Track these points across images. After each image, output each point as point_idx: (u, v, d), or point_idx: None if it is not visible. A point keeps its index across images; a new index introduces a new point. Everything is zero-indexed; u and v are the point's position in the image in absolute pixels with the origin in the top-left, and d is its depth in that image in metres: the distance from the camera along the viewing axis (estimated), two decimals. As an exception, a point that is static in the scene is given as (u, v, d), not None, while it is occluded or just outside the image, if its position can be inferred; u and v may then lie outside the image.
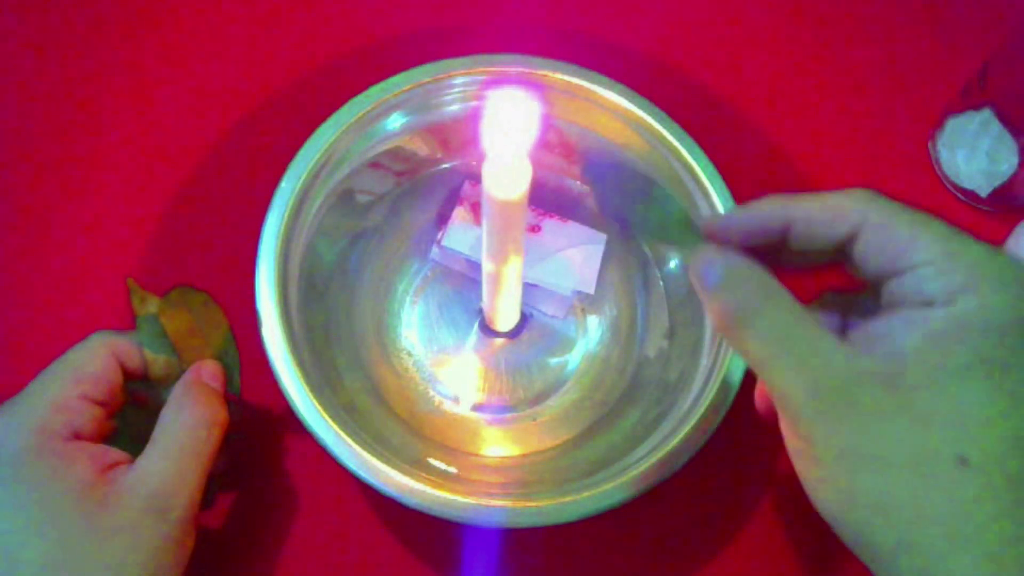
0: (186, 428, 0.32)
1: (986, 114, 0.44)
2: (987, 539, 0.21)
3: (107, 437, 0.33)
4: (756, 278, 0.25)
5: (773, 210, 0.26)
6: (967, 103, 0.45)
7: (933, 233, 0.24)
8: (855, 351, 0.23)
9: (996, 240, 0.45)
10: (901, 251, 0.24)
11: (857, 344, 0.24)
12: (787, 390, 0.24)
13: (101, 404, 0.32)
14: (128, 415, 0.35)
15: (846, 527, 0.24)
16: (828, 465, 0.23)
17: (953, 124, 0.46)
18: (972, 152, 0.45)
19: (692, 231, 0.40)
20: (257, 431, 0.40)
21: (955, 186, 0.46)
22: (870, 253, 0.25)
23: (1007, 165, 0.44)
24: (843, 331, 0.27)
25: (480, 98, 0.41)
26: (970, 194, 0.46)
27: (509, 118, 0.27)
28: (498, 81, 0.40)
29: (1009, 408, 0.22)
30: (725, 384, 0.35)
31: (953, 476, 0.21)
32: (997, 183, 0.45)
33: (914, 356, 0.23)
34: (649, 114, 0.40)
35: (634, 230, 0.43)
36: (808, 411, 0.23)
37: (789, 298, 0.25)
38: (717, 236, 0.27)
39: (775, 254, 0.27)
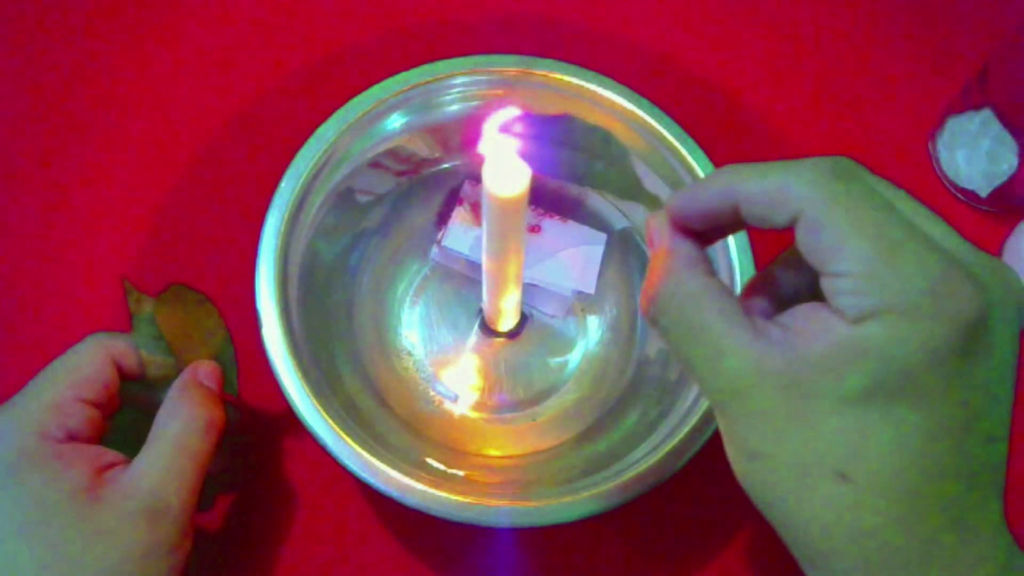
0: (182, 429, 0.32)
1: (986, 114, 0.44)
2: (864, 544, 0.22)
3: (104, 439, 0.33)
4: (669, 263, 0.25)
5: (721, 192, 0.24)
6: (967, 103, 0.45)
7: (861, 245, 0.21)
8: (761, 351, 0.23)
9: (996, 240, 0.45)
10: (826, 255, 0.22)
11: (772, 333, 0.23)
12: (697, 381, 0.25)
13: (97, 406, 0.32)
14: (126, 416, 0.35)
15: (758, 508, 0.25)
16: (733, 447, 0.24)
17: (953, 124, 0.46)
18: (972, 152, 0.45)
19: None
20: (255, 431, 0.40)
21: (955, 186, 0.46)
22: (802, 245, 0.23)
23: (1007, 165, 0.44)
24: (788, 300, 0.26)
25: (480, 98, 0.41)
26: (970, 194, 0.46)
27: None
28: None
29: (895, 437, 0.22)
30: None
31: (832, 488, 0.22)
32: (997, 183, 0.45)
33: (815, 366, 0.22)
34: (649, 114, 0.40)
35: (634, 230, 0.43)
36: (716, 404, 0.24)
37: (703, 287, 0.24)
38: (683, 224, 0.26)
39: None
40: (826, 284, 0.22)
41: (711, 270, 0.25)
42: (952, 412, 0.22)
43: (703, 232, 0.26)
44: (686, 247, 0.26)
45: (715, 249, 0.38)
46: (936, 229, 0.23)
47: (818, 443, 0.22)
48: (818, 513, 0.23)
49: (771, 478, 0.23)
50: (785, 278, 0.27)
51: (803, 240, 0.23)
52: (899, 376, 0.21)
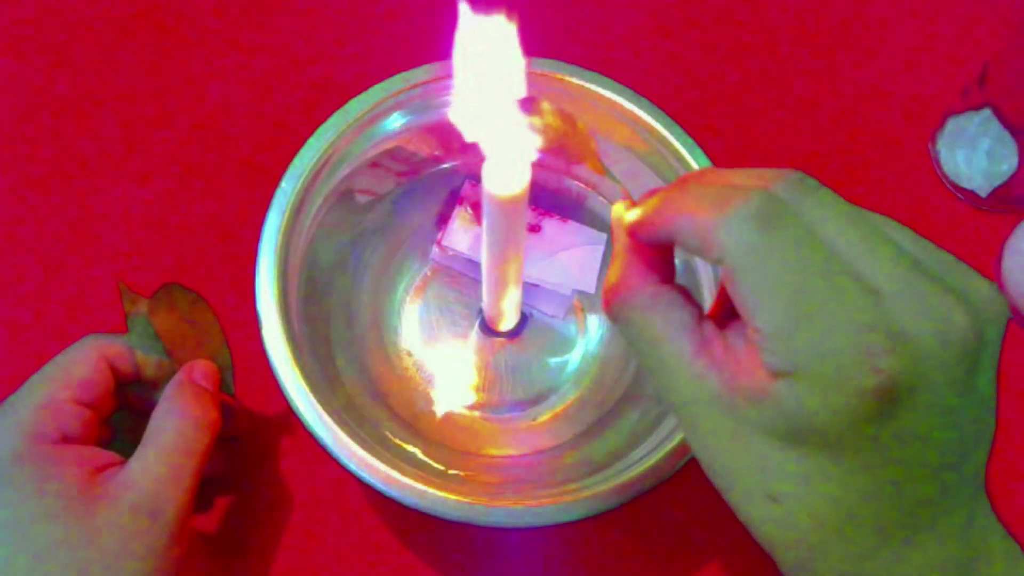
0: (177, 429, 0.32)
1: (986, 114, 0.44)
2: (800, 557, 0.23)
3: (100, 440, 0.33)
4: (623, 273, 0.25)
5: (660, 223, 0.24)
6: (967, 103, 0.45)
7: (774, 306, 0.21)
8: (704, 368, 0.23)
9: (996, 240, 0.45)
10: (743, 307, 0.22)
11: (716, 349, 0.23)
12: (650, 382, 0.25)
13: (92, 407, 0.32)
14: (122, 417, 0.35)
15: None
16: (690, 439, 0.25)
17: (953, 124, 0.46)
18: (972, 152, 0.45)
19: None
20: (253, 432, 0.40)
21: (955, 186, 0.46)
22: (726, 289, 0.22)
23: (1007, 165, 0.44)
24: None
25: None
26: (970, 194, 0.46)
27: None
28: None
29: (812, 477, 0.22)
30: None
31: (767, 507, 0.23)
32: (997, 183, 0.45)
33: (745, 397, 0.22)
34: (649, 114, 0.40)
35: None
36: (667, 408, 0.25)
37: (653, 299, 0.24)
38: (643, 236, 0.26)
39: None
40: (749, 333, 0.22)
41: (668, 275, 0.25)
42: (854, 468, 0.22)
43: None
44: (642, 251, 0.25)
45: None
46: (886, 256, 0.21)
47: (751, 464, 0.23)
48: (757, 523, 0.24)
49: (719, 482, 0.24)
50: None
51: (726, 286, 0.22)
52: (809, 431, 0.21)
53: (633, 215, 0.25)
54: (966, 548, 0.23)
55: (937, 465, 0.22)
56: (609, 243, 0.43)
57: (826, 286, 0.21)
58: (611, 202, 0.44)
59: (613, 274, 0.25)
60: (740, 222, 0.21)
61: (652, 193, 0.25)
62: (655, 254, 0.25)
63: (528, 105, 0.26)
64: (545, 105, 0.26)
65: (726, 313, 0.25)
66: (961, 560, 0.23)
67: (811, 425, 0.21)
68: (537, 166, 0.29)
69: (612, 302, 0.25)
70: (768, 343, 0.21)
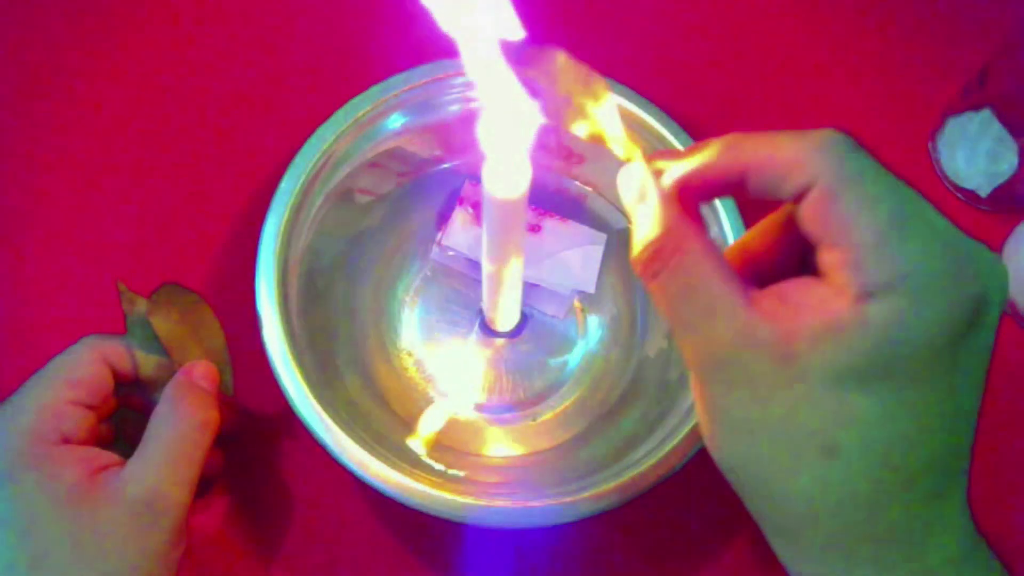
0: (176, 429, 0.32)
1: (986, 114, 0.44)
2: (849, 515, 0.22)
3: (99, 440, 0.33)
4: (668, 223, 0.24)
5: (729, 161, 0.24)
6: (967, 103, 0.45)
7: (874, 219, 0.21)
8: (755, 318, 0.22)
9: (996, 240, 0.45)
10: (837, 226, 0.22)
11: (764, 303, 0.23)
12: (686, 346, 0.24)
13: (91, 408, 0.32)
14: (121, 417, 0.35)
15: (726, 472, 0.25)
16: (713, 419, 0.24)
17: (953, 124, 0.46)
18: (972, 152, 0.45)
19: None
20: (253, 432, 0.40)
21: (955, 186, 0.46)
22: (809, 217, 0.22)
23: (1007, 165, 0.44)
24: (766, 273, 0.25)
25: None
26: (970, 194, 0.46)
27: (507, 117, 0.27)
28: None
29: (882, 417, 0.22)
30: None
31: (819, 463, 0.22)
32: (997, 183, 0.45)
33: (807, 341, 0.22)
34: (649, 114, 0.40)
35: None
36: (701, 369, 0.24)
37: (699, 249, 0.23)
38: (679, 189, 0.25)
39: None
40: (828, 258, 0.22)
41: (705, 229, 0.25)
42: (939, 396, 0.22)
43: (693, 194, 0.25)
44: (686, 204, 0.25)
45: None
46: (935, 214, 0.23)
47: (805, 416, 0.22)
48: (803, 485, 0.22)
49: (753, 449, 0.23)
50: (765, 252, 0.26)
51: (811, 211, 0.22)
52: (894, 358, 0.21)
53: (683, 166, 0.25)
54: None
55: (977, 402, 0.23)
56: (609, 243, 0.43)
57: (916, 205, 0.22)
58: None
59: (654, 229, 0.24)
60: (834, 145, 0.22)
61: (665, 154, 0.25)
62: (693, 207, 0.25)
63: (537, 56, 0.26)
64: (561, 58, 0.26)
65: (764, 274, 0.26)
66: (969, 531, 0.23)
67: (900, 346, 0.21)
68: (537, 166, 0.29)
69: (654, 251, 0.24)
70: (865, 258, 0.21)
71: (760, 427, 0.23)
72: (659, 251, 0.24)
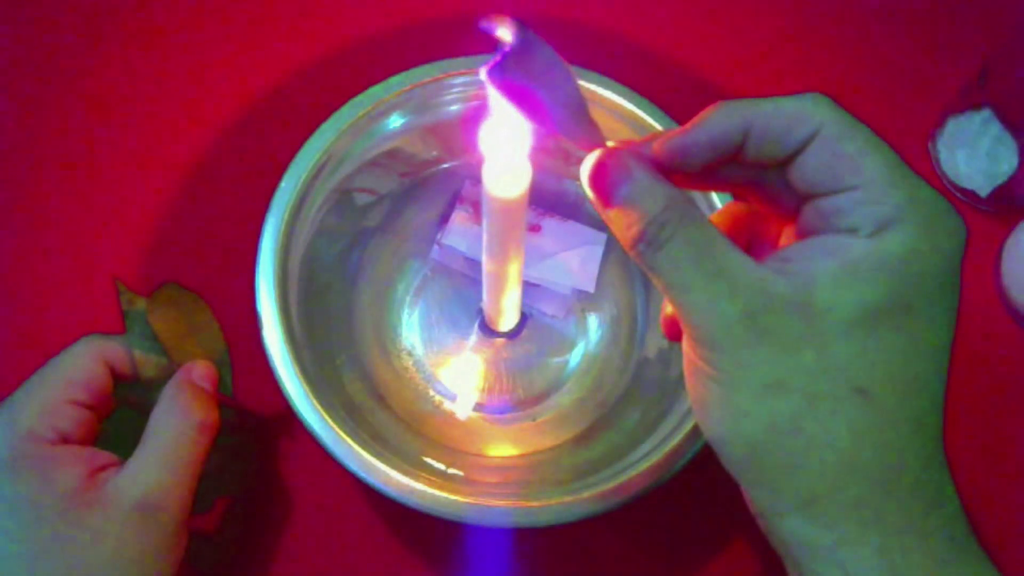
0: (175, 430, 0.32)
1: (986, 114, 0.44)
2: (879, 465, 0.23)
3: (98, 440, 0.33)
4: (668, 193, 0.24)
5: (731, 119, 0.24)
6: (967, 103, 0.45)
7: (879, 158, 0.23)
8: (768, 274, 0.23)
9: (996, 240, 0.45)
10: (843, 169, 0.23)
11: (771, 264, 0.23)
12: (699, 313, 0.23)
13: (90, 408, 0.32)
14: (121, 418, 0.35)
15: (738, 449, 0.24)
16: (730, 387, 0.23)
17: (953, 124, 0.46)
18: (972, 152, 0.45)
19: None
20: (252, 432, 0.40)
21: (955, 186, 0.46)
22: (815, 164, 0.24)
23: (1007, 165, 0.44)
24: (748, 251, 0.25)
25: (480, 98, 0.41)
26: (970, 194, 0.46)
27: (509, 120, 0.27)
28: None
29: (912, 353, 0.22)
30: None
31: (853, 406, 0.22)
32: (997, 183, 0.45)
33: (827, 285, 0.22)
34: (649, 114, 0.40)
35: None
36: (718, 335, 0.23)
37: (702, 217, 0.24)
38: (676, 159, 0.25)
39: (701, 172, 0.26)
40: (833, 203, 0.23)
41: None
42: (944, 333, 0.23)
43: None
44: (683, 176, 0.25)
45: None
46: None
47: (833, 362, 0.22)
48: (839, 435, 0.22)
49: (783, 409, 0.23)
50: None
51: (819, 154, 0.23)
52: (913, 289, 0.22)
53: (680, 138, 0.25)
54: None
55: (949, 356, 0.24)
56: (609, 243, 0.43)
57: (903, 162, 0.23)
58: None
59: (654, 202, 0.24)
60: (829, 100, 0.24)
61: (633, 143, 0.25)
62: (689, 179, 0.25)
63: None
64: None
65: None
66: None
67: (918, 276, 0.22)
68: (537, 166, 0.29)
69: (667, 225, 0.23)
70: (877, 193, 0.22)
71: (794, 378, 0.22)
72: (666, 222, 0.23)
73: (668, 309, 0.30)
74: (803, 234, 0.25)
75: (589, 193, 0.25)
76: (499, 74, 0.23)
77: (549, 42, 0.25)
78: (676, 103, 0.40)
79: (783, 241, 0.27)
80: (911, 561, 0.22)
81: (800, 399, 0.22)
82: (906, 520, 0.23)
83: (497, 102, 0.24)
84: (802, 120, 0.23)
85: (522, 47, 0.23)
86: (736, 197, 0.30)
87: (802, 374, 0.22)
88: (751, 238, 0.28)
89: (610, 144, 0.25)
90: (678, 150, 0.25)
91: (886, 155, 0.23)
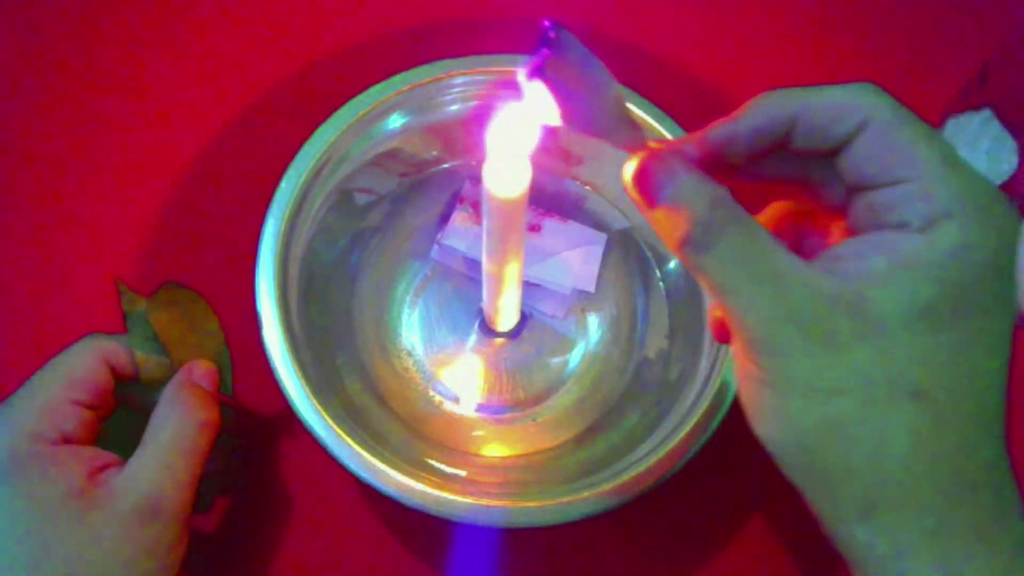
0: (176, 429, 0.32)
1: (986, 114, 0.44)
2: (940, 470, 0.22)
3: (99, 440, 0.33)
4: (715, 194, 0.23)
5: (779, 107, 0.24)
6: (967, 103, 0.45)
7: (931, 149, 0.22)
8: (818, 274, 0.22)
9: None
10: (894, 160, 0.22)
11: (818, 266, 0.23)
12: (749, 316, 0.23)
13: (91, 407, 0.32)
14: (121, 418, 0.35)
15: (793, 455, 0.23)
16: (783, 391, 0.23)
17: (953, 124, 0.46)
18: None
19: None
20: (253, 432, 0.40)
21: (955, 186, 0.46)
22: (864, 156, 0.23)
23: (1007, 165, 0.44)
24: (796, 251, 0.25)
25: (480, 98, 0.41)
26: (970, 194, 0.46)
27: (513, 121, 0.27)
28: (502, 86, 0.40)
29: (970, 351, 0.22)
30: (725, 384, 0.35)
31: (910, 409, 0.21)
32: (997, 183, 0.45)
33: (881, 283, 0.22)
34: (649, 114, 0.40)
35: (634, 230, 0.43)
36: (769, 337, 0.22)
37: (749, 217, 0.23)
38: (723, 149, 0.24)
39: (735, 168, 0.25)
40: (886, 195, 0.22)
41: None
42: (1003, 328, 0.22)
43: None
44: (726, 175, 0.24)
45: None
46: None
47: (889, 363, 0.21)
48: (897, 440, 0.22)
49: (840, 413, 0.22)
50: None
51: (871, 144, 0.23)
52: (967, 285, 0.21)
53: (727, 127, 0.24)
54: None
55: (1009, 353, 0.23)
56: (609, 243, 0.43)
57: (955, 153, 0.23)
58: (611, 201, 0.44)
59: (700, 202, 0.23)
60: (880, 90, 0.23)
61: (677, 141, 0.25)
62: (734, 173, 0.25)
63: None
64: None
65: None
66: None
67: (972, 271, 0.21)
68: (537, 166, 0.29)
69: (712, 225, 0.23)
70: (929, 186, 0.22)
71: (847, 381, 0.22)
72: (713, 222, 0.23)
73: (716, 312, 0.29)
74: (853, 230, 0.24)
75: (632, 194, 0.24)
76: (539, 76, 0.23)
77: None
78: (676, 103, 0.40)
79: (832, 239, 0.26)
80: (975, 571, 0.22)
81: (854, 402, 0.22)
82: (971, 529, 0.22)
83: (534, 105, 0.24)
84: (852, 109, 0.23)
85: (562, 49, 0.23)
86: (782, 196, 0.29)
87: (856, 376, 0.22)
88: (798, 237, 0.27)
89: (652, 145, 0.25)
90: (724, 139, 0.24)
91: (938, 146, 0.22)
